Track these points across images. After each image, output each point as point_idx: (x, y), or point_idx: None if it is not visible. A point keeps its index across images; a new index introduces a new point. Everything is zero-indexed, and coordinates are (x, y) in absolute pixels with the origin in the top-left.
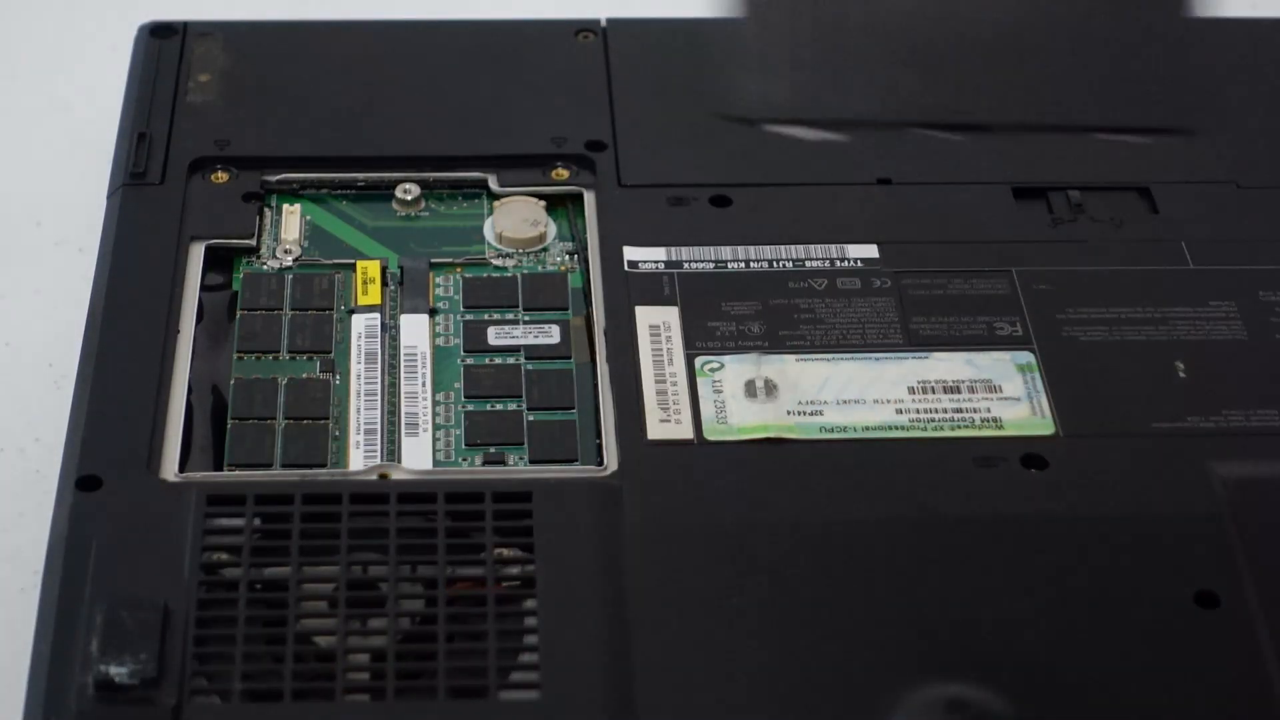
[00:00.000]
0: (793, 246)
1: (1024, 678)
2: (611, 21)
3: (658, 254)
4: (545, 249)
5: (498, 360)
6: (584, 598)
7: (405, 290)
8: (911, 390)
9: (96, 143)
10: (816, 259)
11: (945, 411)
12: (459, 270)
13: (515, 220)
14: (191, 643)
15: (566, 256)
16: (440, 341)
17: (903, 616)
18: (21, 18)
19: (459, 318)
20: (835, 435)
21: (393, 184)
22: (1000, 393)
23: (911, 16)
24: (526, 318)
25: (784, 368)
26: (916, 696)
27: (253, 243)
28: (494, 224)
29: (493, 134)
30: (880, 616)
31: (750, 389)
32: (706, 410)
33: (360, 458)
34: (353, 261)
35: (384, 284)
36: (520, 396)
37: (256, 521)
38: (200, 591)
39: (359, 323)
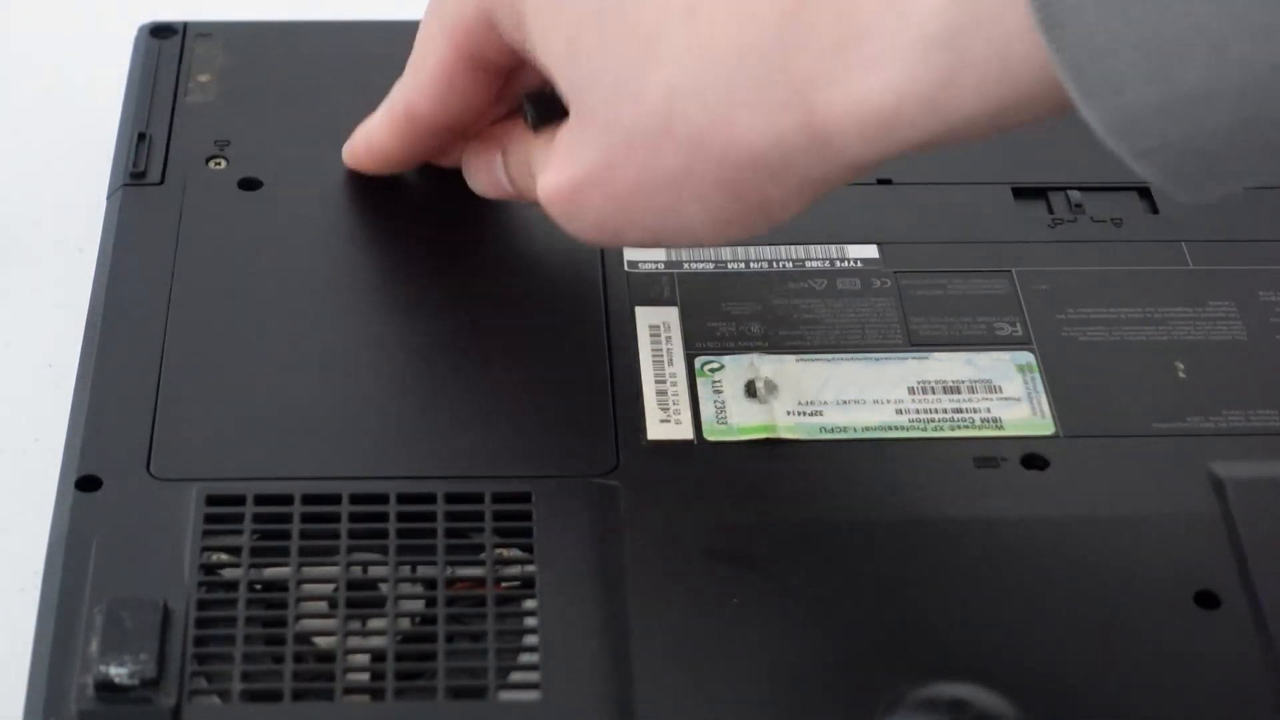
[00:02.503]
0: (793, 246)
1: (1024, 678)
2: None
3: (658, 254)
4: None
5: None
6: (584, 598)
7: None
8: (911, 390)
9: (96, 143)
10: (816, 259)
11: (945, 411)
12: None
13: None
14: (191, 643)
15: None
16: None
17: (902, 617)
18: (21, 17)
19: None
20: (835, 435)
21: None
22: (1000, 393)
23: None
24: None
25: (784, 368)
26: (916, 697)
27: None
28: None
29: None
30: (880, 617)
31: (750, 389)
32: (706, 411)
33: None
34: None
35: None
36: None
37: (256, 522)
38: (200, 592)
39: None
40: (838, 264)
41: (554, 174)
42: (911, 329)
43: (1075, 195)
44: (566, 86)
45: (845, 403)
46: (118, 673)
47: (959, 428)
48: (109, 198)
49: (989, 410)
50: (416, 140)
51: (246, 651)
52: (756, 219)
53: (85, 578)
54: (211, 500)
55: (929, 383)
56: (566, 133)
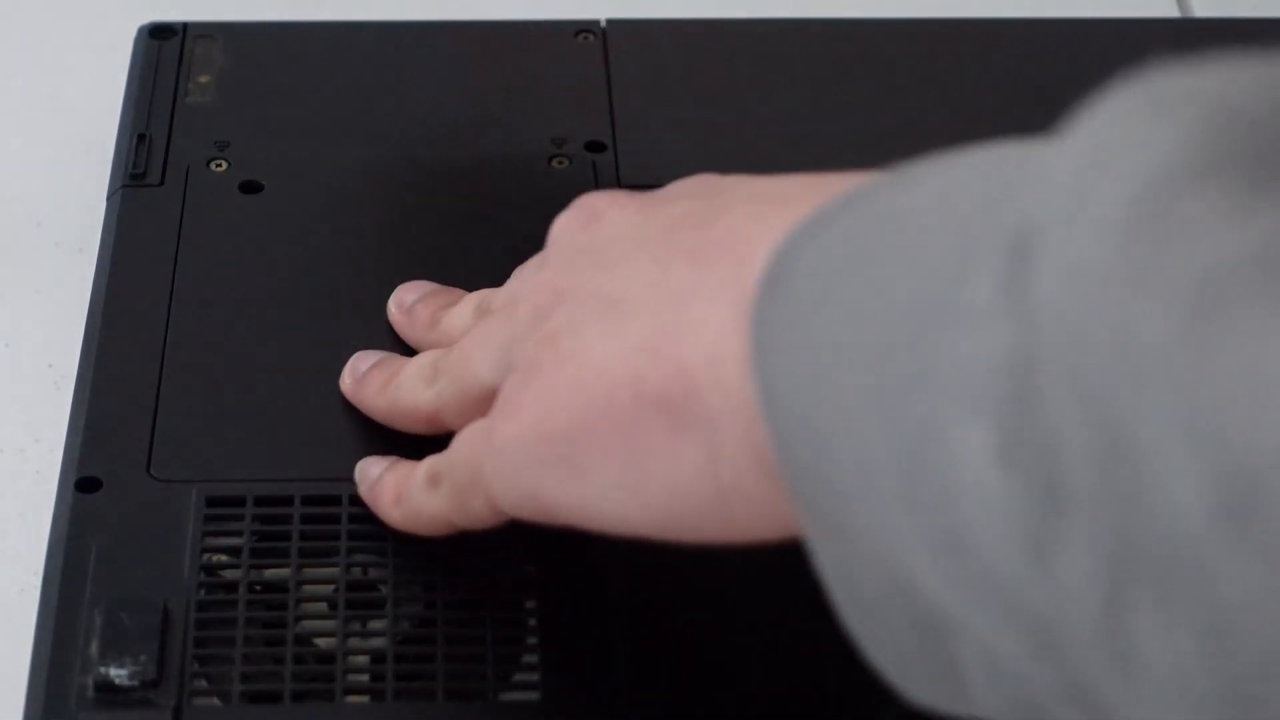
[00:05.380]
0: None
1: None
2: (611, 22)
3: None
4: None
5: None
6: (584, 598)
7: None
8: None
9: (96, 143)
10: None
11: None
12: None
13: None
14: (191, 644)
15: None
16: None
17: None
18: (21, 18)
19: None
20: None
21: None
22: None
23: None
24: None
25: None
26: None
27: None
28: None
29: (492, 135)
30: None
31: None
32: None
33: None
34: None
35: None
36: None
37: (256, 523)
38: (200, 593)
39: None
40: None
41: None
42: None
43: None
44: None
45: None
46: (118, 674)
47: None
48: (109, 198)
49: None
50: None
51: (246, 653)
52: None
53: (85, 578)
54: (211, 501)
55: None
56: None
